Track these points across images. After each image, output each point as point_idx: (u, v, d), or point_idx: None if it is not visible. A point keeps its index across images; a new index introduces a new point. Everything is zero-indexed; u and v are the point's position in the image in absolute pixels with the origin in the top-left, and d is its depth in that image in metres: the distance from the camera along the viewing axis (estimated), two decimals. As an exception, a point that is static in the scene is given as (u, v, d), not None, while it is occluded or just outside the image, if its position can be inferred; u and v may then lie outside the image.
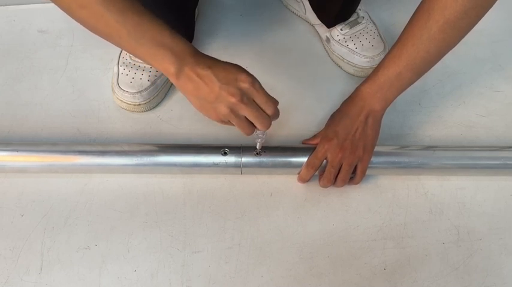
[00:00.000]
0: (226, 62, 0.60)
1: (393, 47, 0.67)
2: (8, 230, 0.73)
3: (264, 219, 0.74)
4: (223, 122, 0.62)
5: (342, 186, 0.73)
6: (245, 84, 0.58)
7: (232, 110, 0.59)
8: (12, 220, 0.74)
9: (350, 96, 0.73)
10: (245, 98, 0.58)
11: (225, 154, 0.72)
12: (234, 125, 0.62)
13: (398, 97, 0.85)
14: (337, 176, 0.72)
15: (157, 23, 0.56)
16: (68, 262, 0.70)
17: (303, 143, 0.77)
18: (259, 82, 0.60)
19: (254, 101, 0.60)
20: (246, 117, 0.61)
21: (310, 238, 0.72)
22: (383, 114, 0.71)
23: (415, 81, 0.68)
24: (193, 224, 0.73)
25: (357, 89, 0.72)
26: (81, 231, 0.73)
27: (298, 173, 0.74)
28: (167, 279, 0.69)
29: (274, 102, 0.62)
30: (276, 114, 0.63)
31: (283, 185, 0.77)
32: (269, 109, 0.61)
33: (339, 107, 0.74)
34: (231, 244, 0.72)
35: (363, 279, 0.69)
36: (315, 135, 0.76)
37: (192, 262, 0.70)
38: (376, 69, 0.69)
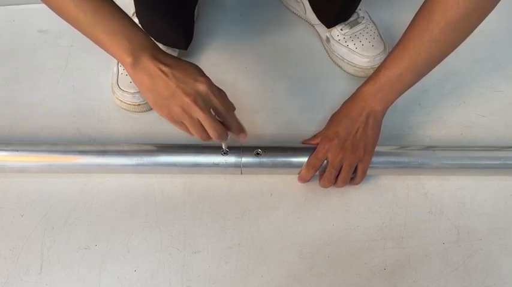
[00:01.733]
0: (188, 62, 0.59)
1: (395, 48, 0.67)
2: (8, 230, 0.73)
3: (264, 219, 0.74)
4: (175, 122, 0.60)
5: (342, 186, 0.73)
6: (202, 87, 0.57)
7: (185, 111, 0.57)
8: (12, 220, 0.74)
9: (351, 97, 0.73)
10: (200, 100, 0.57)
11: (225, 153, 0.72)
12: (187, 127, 0.60)
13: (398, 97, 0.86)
14: (337, 177, 0.72)
15: (117, 12, 0.57)
16: (68, 262, 0.70)
17: (303, 143, 0.77)
18: (218, 88, 0.60)
19: (210, 106, 0.59)
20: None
21: (310, 238, 0.72)
22: (384, 115, 0.71)
23: (416, 83, 0.68)
24: (193, 224, 0.73)
25: (358, 90, 0.72)
26: (81, 231, 0.73)
27: (299, 173, 0.74)
28: (167, 279, 0.69)
29: (231, 110, 0.61)
30: (233, 124, 0.62)
31: (283, 185, 0.77)
32: (225, 117, 0.61)
33: (339, 107, 0.74)
34: (231, 244, 0.72)
35: (363, 279, 0.69)
36: (315, 136, 0.76)
37: (192, 262, 0.70)
38: (378, 70, 0.69)
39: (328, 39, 0.90)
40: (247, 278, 0.69)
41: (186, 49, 0.87)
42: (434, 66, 0.66)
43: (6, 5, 0.99)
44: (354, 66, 0.88)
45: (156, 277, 0.69)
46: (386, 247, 0.72)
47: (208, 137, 0.61)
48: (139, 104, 0.83)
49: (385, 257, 0.71)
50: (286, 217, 0.74)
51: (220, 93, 0.60)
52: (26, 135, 0.81)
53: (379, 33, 0.89)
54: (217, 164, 0.73)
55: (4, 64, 0.92)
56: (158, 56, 0.57)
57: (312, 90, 0.88)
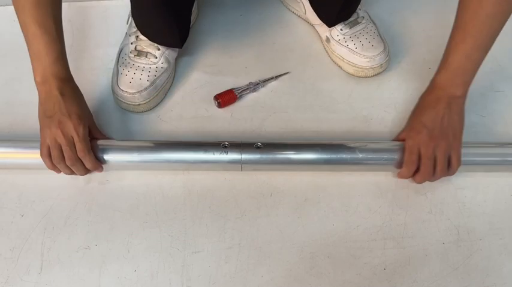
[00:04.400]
0: (81, 106, 0.72)
1: (453, 35, 0.69)
2: (8, 230, 0.73)
3: (264, 219, 0.74)
4: (43, 141, 0.70)
5: (440, 178, 0.72)
6: (74, 134, 0.69)
7: (55, 137, 0.69)
8: (12, 220, 0.74)
9: (427, 90, 0.74)
10: (67, 139, 0.69)
11: (225, 147, 0.73)
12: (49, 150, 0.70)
13: (398, 97, 0.86)
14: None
15: (51, 42, 0.69)
16: (68, 262, 0.70)
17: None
18: (85, 139, 0.70)
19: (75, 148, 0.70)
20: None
21: (310, 238, 0.72)
22: (465, 99, 0.71)
23: (485, 58, 0.69)
24: (193, 224, 0.73)
25: (432, 82, 0.73)
26: (81, 231, 0.73)
27: (398, 173, 0.74)
28: (167, 279, 0.69)
29: (86, 156, 0.71)
30: (87, 165, 0.72)
31: (283, 185, 0.77)
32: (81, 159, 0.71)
33: (417, 102, 0.75)
34: (231, 244, 0.72)
35: (363, 279, 0.69)
36: (398, 134, 0.76)
37: (192, 262, 0.70)
38: (445, 59, 0.70)
39: (328, 39, 0.90)
40: (247, 278, 0.69)
41: (181, 47, 0.87)
42: (498, 34, 0.67)
43: (6, 5, 0.99)
44: (354, 66, 0.88)
45: (156, 277, 0.69)
46: (387, 247, 0.72)
47: (63, 161, 0.71)
48: (139, 104, 0.83)
49: (385, 257, 0.71)
50: (286, 217, 0.74)
51: (82, 133, 0.70)
52: (26, 136, 0.81)
53: (379, 33, 0.89)
54: (218, 160, 0.73)
55: (4, 64, 0.92)
56: (62, 86, 0.70)
57: (312, 90, 0.88)
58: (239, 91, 0.85)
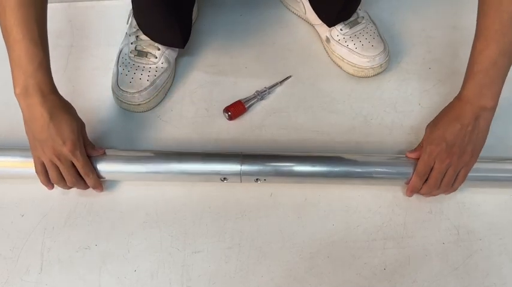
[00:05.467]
0: (67, 119, 0.66)
1: (476, 44, 0.65)
2: (8, 230, 0.73)
3: (264, 219, 0.74)
4: (50, 163, 0.68)
5: (441, 193, 0.72)
6: (65, 150, 0.66)
7: (50, 159, 0.67)
8: (12, 220, 0.74)
9: (453, 103, 0.70)
10: (62, 158, 0.67)
11: (224, 179, 0.72)
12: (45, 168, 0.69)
13: (398, 97, 0.86)
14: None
15: (32, 47, 0.62)
16: (68, 262, 0.70)
17: (407, 156, 0.73)
18: (82, 152, 0.67)
19: (71, 161, 0.68)
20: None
21: (310, 238, 0.72)
22: (493, 115, 0.68)
23: (511, 64, 0.65)
24: (193, 224, 0.73)
25: (459, 95, 0.69)
26: (81, 231, 0.73)
27: (407, 184, 0.72)
28: (167, 279, 0.69)
29: (88, 173, 0.69)
30: (89, 183, 0.71)
31: (283, 185, 0.77)
32: (83, 177, 0.70)
33: (440, 113, 0.71)
34: (231, 244, 0.72)
35: (363, 279, 0.69)
36: (415, 148, 0.74)
37: (192, 262, 0.70)
38: (470, 71, 0.66)
39: (328, 39, 0.90)
40: (247, 278, 0.69)
41: (183, 47, 0.87)
42: None
43: (6, 5, 0.99)
44: (354, 66, 0.88)
45: (156, 277, 0.69)
46: (386, 247, 0.72)
47: (63, 183, 0.70)
48: (139, 104, 0.83)
49: (385, 257, 0.71)
50: (286, 217, 0.74)
51: (81, 157, 0.67)
52: (25, 137, 0.81)
53: (378, 33, 0.89)
54: (218, 172, 0.71)
55: (4, 65, 0.92)
56: (47, 102, 0.64)
57: (312, 90, 0.88)
58: (247, 102, 0.84)
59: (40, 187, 0.76)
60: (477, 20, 0.64)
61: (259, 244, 0.72)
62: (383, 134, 0.82)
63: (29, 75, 0.63)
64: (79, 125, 0.69)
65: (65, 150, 0.66)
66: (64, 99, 0.69)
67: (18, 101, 0.65)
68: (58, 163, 0.67)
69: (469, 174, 0.70)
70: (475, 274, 0.70)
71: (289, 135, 0.82)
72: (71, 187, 0.72)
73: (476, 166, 0.70)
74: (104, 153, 0.72)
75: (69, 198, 0.75)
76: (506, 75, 0.65)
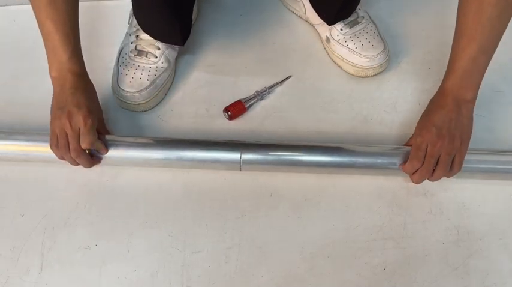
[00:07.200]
0: (89, 103, 0.72)
1: (457, 41, 0.69)
2: (8, 230, 0.73)
3: (264, 219, 0.74)
4: (62, 131, 0.70)
5: (439, 178, 0.72)
6: (81, 125, 0.69)
7: (63, 124, 0.70)
8: (12, 220, 0.74)
9: (436, 94, 0.74)
10: (73, 123, 0.70)
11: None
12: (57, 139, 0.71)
13: (398, 97, 0.86)
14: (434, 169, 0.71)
15: (64, 38, 0.70)
16: (68, 262, 0.70)
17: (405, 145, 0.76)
18: (92, 123, 0.70)
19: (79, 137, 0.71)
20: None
21: (310, 238, 0.72)
22: (474, 105, 0.71)
23: (490, 60, 0.69)
24: (193, 224, 0.73)
25: (441, 87, 0.73)
26: (81, 231, 0.73)
27: (402, 167, 0.73)
28: (167, 279, 0.69)
29: (88, 144, 0.71)
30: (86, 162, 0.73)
31: (283, 185, 0.77)
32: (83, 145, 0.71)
33: (427, 105, 0.75)
34: (231, 244, 0.72)
35: (363, 279, 0.69)
36: (410, 138, 0.76)
37: (192, 262, 0.70)
38: (451, 65, 0.70)
39: (328, 39, 0.90)
40: (247, 278, 0.69)
41: (183, 45, 0.87)
42: (502, 36, 0.67)
43: (6, 5, 0.99)
44: (354, 66, 0.88)
45: (156, 277, 0.69)
46: (386, 247, 0.72)
47: (69, 152, 0.72)
48: (139, 104, 0.83)
49: (385, 257, 0.71)
50: (286, 217, 0.74)
51: (90, 126, 0.70)
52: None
53: (378, 33, 0.89)
54: (218, 159, 0.73)
55: (4, 64, 0.92)
56: (76, 82, 0.72)
57: (312, 90, 0.88)
58: (247, 102, 0.84)
59: (40, 187, 0.76)
60: (457, 19, 0.68)
61: (259, 244, 0.72)
62: (383, 134, 0.82)
63: (63, 62, 0.71)
64: (98, 105, 0.76)
65: (79, 115, 0.69)
66: (92, 84, 0.76)
67: (52, 82, 0.72)
68: (68, 130, 0.70)
69: (469, 165, 0.72)
70: (475, 274, 0.70)
71: (289, 135, 0.82)
72: (77, 163, 0.73)
73: (476, 157, 0.73)
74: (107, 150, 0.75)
75: (69, 198, 0.76)
76: (485, 70, 0.70)
